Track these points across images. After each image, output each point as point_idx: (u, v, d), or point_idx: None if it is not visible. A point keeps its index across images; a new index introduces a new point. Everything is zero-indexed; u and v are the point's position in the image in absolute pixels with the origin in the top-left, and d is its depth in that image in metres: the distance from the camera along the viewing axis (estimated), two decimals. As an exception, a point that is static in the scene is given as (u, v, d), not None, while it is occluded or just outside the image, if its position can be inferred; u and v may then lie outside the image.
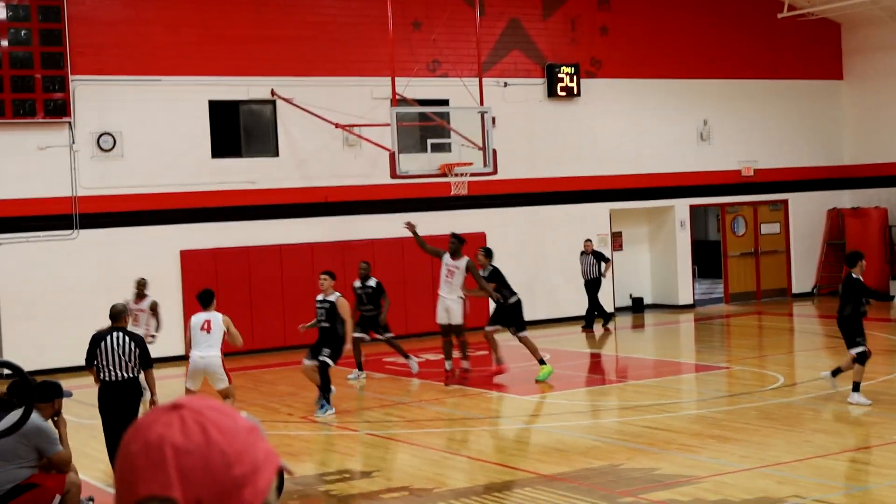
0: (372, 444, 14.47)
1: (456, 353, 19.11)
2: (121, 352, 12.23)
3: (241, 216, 23.96)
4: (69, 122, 22.44)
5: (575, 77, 27.46)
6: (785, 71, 30.61)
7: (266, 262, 24.01)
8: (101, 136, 22.73)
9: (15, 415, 9.23)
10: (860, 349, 15.28)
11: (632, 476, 11.86)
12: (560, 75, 27.30)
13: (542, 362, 18.67)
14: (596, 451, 13.27)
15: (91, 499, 11.10)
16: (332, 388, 16.43)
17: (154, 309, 18.09)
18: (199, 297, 14.84)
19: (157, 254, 23.11)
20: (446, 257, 18.86)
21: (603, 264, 25.71)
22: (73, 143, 22.53)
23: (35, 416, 9.45)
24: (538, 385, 18.28)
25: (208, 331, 14.37)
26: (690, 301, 29.40)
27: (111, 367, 12.24)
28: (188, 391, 14.58)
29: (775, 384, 17.23)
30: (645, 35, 28.61)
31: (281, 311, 23.98)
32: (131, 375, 12.30)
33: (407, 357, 19.70)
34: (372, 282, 19.56)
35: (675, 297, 29.29)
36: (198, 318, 14.51)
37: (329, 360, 16.16)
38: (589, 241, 26.06)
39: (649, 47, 28.66)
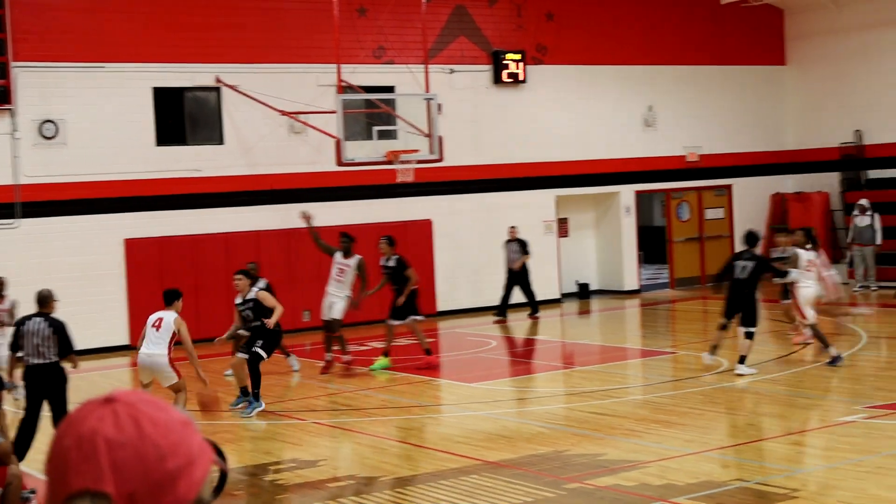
0: (318, 433, 14.46)
1: (336, 347, 19.06)
2: (38, 337, 12.49)
3: (187, 204, 23.81)
4: (10, 110, 22.18)
5: (521, 64, 27.49)
6: (729, 57, 30.83)
7: (212, 250, 23.88)
8: (43, 123, 22.49)
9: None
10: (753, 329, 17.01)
11: (577, 462, 11.94)
12: (506, 62, 27.33)
13: (428, 352, 19.06)
14: (541, 437, 13.34)
15: (33, 491, 11.01)
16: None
17: (12, 310, 17.77)
18: (163, 294, 14.82)
19: (101, 243, 22.91)
20: (338, 255, 18.96)
21: (521, 255, 25.31)
22: (15, 130, 22.27)
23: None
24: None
25: (158, 328, 14.33)
26: (636, 286, 29.59)
27: (31, 352, 12.51)
28: (143, 385, 14.54)
29: (719, 369, 17.39)
30: (591, 21, 28.70)
31: (227, 299, 23.73)
32: (50, 360, 12.50)
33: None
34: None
35: (621, 283, 29.47)
36: (154, 315, 14.54)
37: (262, 352, 15.72)
38: (514, 227, 25.82)
39: (595, 34, 28.75)
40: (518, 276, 25.31)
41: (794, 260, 18.09)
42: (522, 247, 25.39)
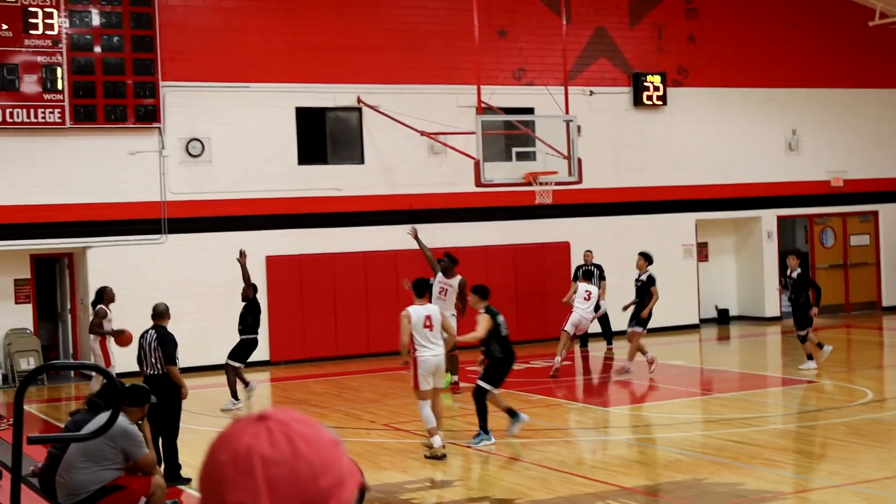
0: (454, 454, 14.45)
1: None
2: (149, 348, 13.22)
3: (327, 223, 24.11)
4: (159, 128, 22.76)
5: (661, 86, 27.27)
6: (875, 79, 30.13)
7: (350, 268, 24.12)
8: (189, 141, 23.02)
9: (103, 417, 9.36)
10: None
11: (715, 490, 11.72)
12: (646, 84, 27.13)
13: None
14: (679, 464, 13.14)
15: (175, 502, 11.21)
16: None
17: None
18: (414, 285, 14.51)
19: (243, 259, 23.28)
20: (439, 275, 18.88)
21: (600, 283, 23.27)
22: (163, 148, 22.84)
23: (122, 419, 9.58)
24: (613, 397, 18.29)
25: (430, 328, 14.04)
26: (777, 313, 29.01)
27: (145, 363, 13.27)
28: (425, 395, 14.06)
29: (864, 399, 16.93)
30: (733, 43, 28.32)
31: (364, 318, 24.08)
32: (158, 372, 13.14)
33: None
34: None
35: (762, 309, 28.93)
36: (417, 316, 14.03)
37: (484, 384, 14.70)
38: (589, 252, 24.18)
39: (737, 56, 28.36)
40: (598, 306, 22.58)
41: None
42: (600, 273, 23.84)
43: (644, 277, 20.44)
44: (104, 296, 17.75)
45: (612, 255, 26.59)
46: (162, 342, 13.22)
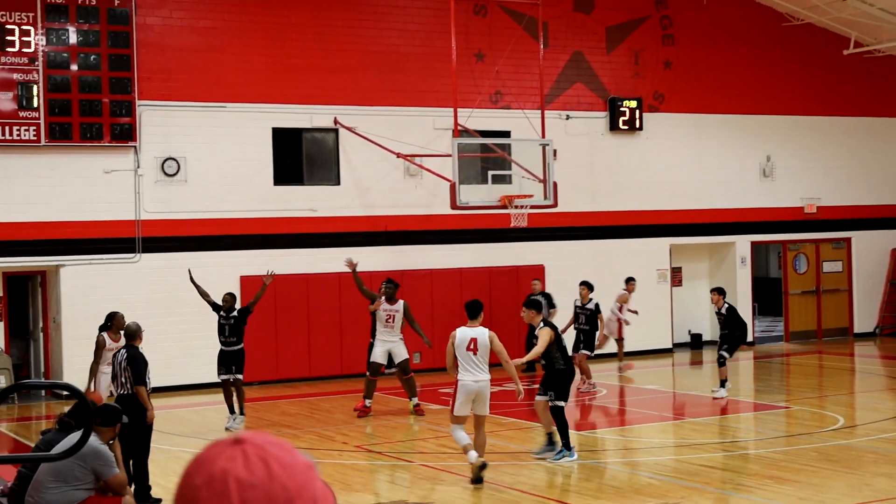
0: (426, 476, 14.43)
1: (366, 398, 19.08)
2: (119, 368, 13.16)
3: (302, 243, 24.09)
4: (135, 147, 22.71)
5: (637, 111, 27.40)
6: (850, 108, 30.36)
7: (324, 289, 24.10)
8: (165, 160, 22.98)
9: (74, 437, 9.31)
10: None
11: (688, 515, 11.73)
12: (622, 109, 27.26)
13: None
14: (651, 488, 13.16)
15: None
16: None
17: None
18: (466, 307, 13.98)
19: (218, 279, 23.23)
20: (384, 303, 18.97)
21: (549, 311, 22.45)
22: (138, 167, 22.79)
23: (93, 439, 9.53)
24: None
25: (475, 352, 13.59)
26: (750, 339, 29.11)
27: (115, 382, 13.26)
28: (458, 420, 13.72)
29: (835, 425, 17.01)
30: (708, 70, 28.51)
31: (338, 339, 24.05)
32: (128, 392, 13.09)
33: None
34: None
35: (735, 334, 28.99)
36: (462, 338, 13.63)
37: (559, 402, 14.68)
38: (536, 281, 24.17)
39: (712, 82, 28.54)
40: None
41: None
42: (549, 302, 23.13)
43: (592, 306, 21.56)
44: (113, 322, 16.70)
45: (585, 279, 26.61)
46: (132, 362, 13.12)
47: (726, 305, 20.83)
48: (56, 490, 9.77)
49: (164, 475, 14.15)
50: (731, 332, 20.67)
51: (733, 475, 13.79)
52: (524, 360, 14.96)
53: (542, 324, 14.73)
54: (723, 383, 20.46)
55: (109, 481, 9.93)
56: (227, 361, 18.22)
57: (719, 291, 21.13)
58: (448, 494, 13.54)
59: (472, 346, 13.46)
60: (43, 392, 23.41)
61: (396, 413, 19.17)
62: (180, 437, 17.44)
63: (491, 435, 17.01)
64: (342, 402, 20.74)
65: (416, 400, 18.86)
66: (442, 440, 16.89)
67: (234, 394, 18.14)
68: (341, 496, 12.91)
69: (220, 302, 18.61)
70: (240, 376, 18.16)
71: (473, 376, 13.46)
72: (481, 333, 13.58)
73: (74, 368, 21.88)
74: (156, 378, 22.43)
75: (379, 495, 13.38)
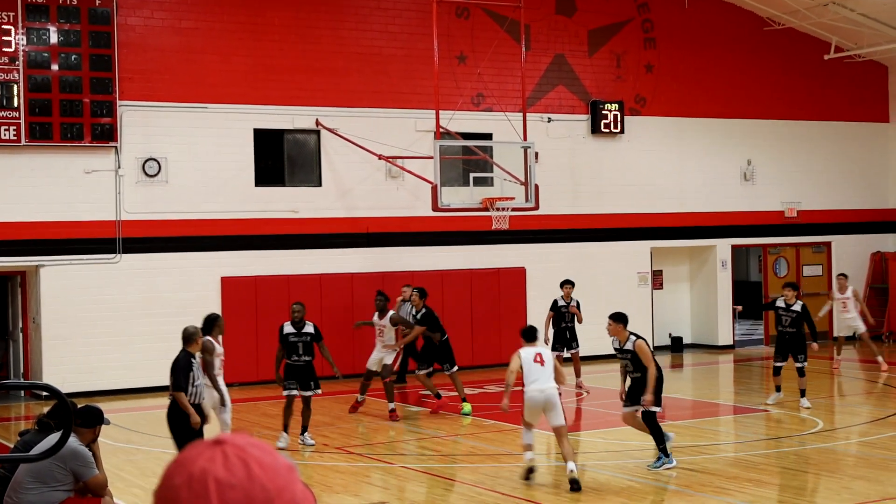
0: (407, 478, 14.43)
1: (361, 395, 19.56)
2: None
3: (283, 245, 24.07)
4: (115, 147, 22.65)
5: (619, 114, 27.46)
6: (830, 112, 30.49)
7: (306, 291, 24.05)
8: (146, 161, 22.92)
9: (53, 438, 9.28)
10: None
11: (667, 518, 11.75)
12: (604, 112, 27.31)
13: (464, 399, 19.17)
14: (631, 491, 13.18)
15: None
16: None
17: None
18: (525, 334, 14.25)
19: (198, 280, 23.24)
20: (375, 318, 19.39)
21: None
22: (119, 167, 22.73)
23: (72, 440, 9.49)
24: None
25: (542, 364, 13.74)
26: (730, 342, 29.22)
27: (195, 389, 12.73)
28: (529, 424, 13.81)
29: (815, 428, 17.06)
30: (690, 74, 28.58)
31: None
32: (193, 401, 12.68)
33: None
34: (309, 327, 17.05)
35: (715, 338, 29.12)
36: (527, 353, 13.81)
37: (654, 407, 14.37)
38: (407, 287, 22.01)
39: (694, 86, 28.62)
40: (410, 345, 20.53)
41: None
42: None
43: (574, 304, 21.98)
44: (214, 326, 15.00)
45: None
46: (173, 368, 12.81)
47: (799, 303, 19.49)
48: (35, 491, 9.73)
49: (143, 476, 14.11)
50: (800, 332, 19.28)
51: (713, 478, 13.82)
52: (650, 389, 14.21)
53: (631, 336, 14.62)
54: (778, 388, 19.66)
55: (89, 482, 9.89)
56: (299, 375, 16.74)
57: (793, 287, 19.71)
58: (428, 497, 13.54)
59: (538, 359, 13.73)
60: (22, 392, 23.32)
61: (378, 416, 19.15)
62: (160, 438, 17.38)
63: (472, 437, 17.02)
64: (322, 404, 20.69)
65: (392, 405, 18.82)
66: (423, 442, 16.89)
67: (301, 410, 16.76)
68: (321, 498, 12.90)
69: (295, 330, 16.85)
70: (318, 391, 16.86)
71: (539, 385, 13.57)
72: (544, 349, 14.18)
73: (54, 369, 21.83)
74: (135, 379, 22.44)
75: (359, 496, 13.37)
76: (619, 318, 14.76)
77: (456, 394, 19.44)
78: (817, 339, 19.85)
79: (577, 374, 21.91)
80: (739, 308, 25.14)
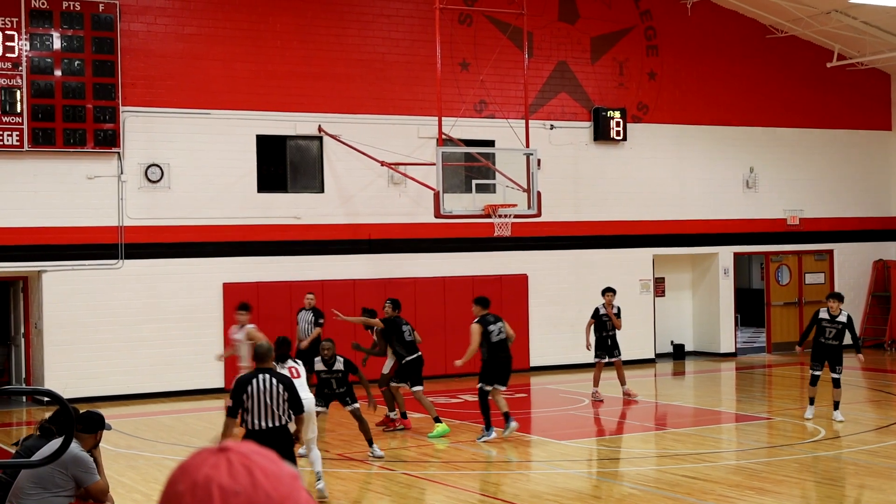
0: (408, 485, 14.42)
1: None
2: (268, 397, 11.19)
3: (285, 251, 24.07)
4: (118, 153, 22.66)
5: (622, 121, 27.47)
6: (833, 120, 30.49)
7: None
8: (148, 167, 22.94)
9: (55, 443, 9.27)
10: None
11: (669, 525, 11.73)
12: (607, 119, 27.31)
13: (437, 420, 17.75)
14: (632, 498, 13.16)
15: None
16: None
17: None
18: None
19: (201, 286, 23.23)
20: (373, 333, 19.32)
21: (315, 327, 21.03)
22: (122, 173, 22.74)
23: (74, 446, 9.49)
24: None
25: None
26: (732, 349, 29.20)
27: (258, 415, 11.21)
28: None
29: (817, 437, 17.04)
30: (693, 81, 28.59)
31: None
32: (279, 424, 11.25)
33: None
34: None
35: (717, 345, 29.11)
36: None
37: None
38: (310, 295, 21.43)
39: (697, 93, 28.63)
40: (308, 354, 19.30)
41: None
42: (317, 317, 21.21)
43: (615, 311, 21.81)
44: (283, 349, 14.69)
45: (569, 289, 26.68)
46: (290, 388, 11.27)
47: (845, 313, 18.65)
48: (36, 496, 9.73)
49: (144, 482, 14.11)
50: (840, 343, 18.46)
51: (715, 486, 13.80)
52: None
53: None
54: (812, 400, 19.05)
55: (90, 488, 9.88)
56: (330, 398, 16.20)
57: (839, 298, 18.72)
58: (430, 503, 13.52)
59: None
60: (24, 398, 23.31)
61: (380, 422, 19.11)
62: (163, 444, 17.38)
63: (473, 444, 16.99)
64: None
65: (392, 414, 18.60)
66: (423, 449, 16.88)
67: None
68: (323, 505, 12.88)
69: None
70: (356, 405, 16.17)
71: None
72: None
73: (56, 375, 21.83)
74: (136, 385, 22.44)
75: (360, 503, 13.36)
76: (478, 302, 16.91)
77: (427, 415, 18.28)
78: (860, 349, 19.11)
79: (622, 382, 21.75)
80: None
